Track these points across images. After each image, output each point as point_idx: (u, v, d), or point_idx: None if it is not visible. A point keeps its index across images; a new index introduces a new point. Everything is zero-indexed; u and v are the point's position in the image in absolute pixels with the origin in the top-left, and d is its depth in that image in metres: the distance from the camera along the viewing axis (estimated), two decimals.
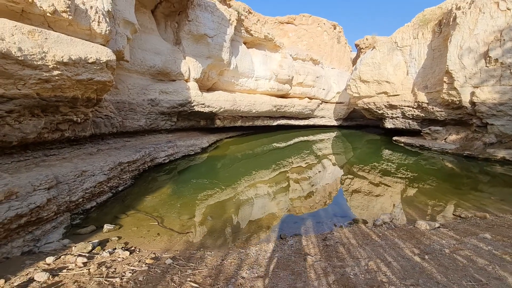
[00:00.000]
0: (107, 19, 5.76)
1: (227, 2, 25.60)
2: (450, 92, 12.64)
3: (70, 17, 4.85)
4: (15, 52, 3.95)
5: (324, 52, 32.89)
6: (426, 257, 3.54)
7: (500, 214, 5.75)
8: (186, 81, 11.65)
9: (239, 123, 17.03)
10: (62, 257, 3.81)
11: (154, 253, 4.08)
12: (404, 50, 15.57)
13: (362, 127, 27.68)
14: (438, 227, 4.84)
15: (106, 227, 4.95)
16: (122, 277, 3.24)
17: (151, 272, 3.41)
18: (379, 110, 17.88)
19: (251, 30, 14.92)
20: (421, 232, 4.57)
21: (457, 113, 13.27)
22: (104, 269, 3.46)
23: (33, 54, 4.20)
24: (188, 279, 3.23)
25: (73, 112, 5.94)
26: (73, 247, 4.14)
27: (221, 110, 13.51)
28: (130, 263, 3.71)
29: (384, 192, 7.72)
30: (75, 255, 3.84)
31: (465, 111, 12.60)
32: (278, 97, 18.89)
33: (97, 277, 3.22)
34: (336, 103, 24.78)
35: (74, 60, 4.80)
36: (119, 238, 4.67)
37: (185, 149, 11.56)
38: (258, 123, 18.67)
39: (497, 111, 11.25)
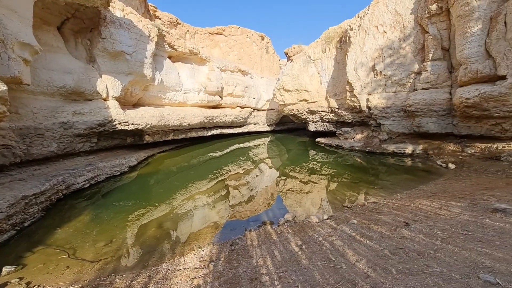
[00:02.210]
0: None
1: (152, 14, 25.06)
2: (352, 98, 15.00)
3: None
4: None
5: (255, 62, 34.77)
6: (304, 246, 4.45)
7: (376, 200, 7.30)
8: (105, 99, 11.19)
9: (171, 137, 16.89)
10: None
11: (60, 287, 4.09)
12: (316, 63, 17.79)
13: (293, 130, 30.11)
14: (326, 219, 5.96)
15: (5, 269, 4.66)
16: None
17: None
18: (302, 115, 19.91)
19: (174, 45, 15.08)
20: (311, 225, 5.59)
21: (359, 116, 15.79)
22: None
23: None
24: None
25: None
26: None
27: (148, 126, 13.30)
28: None
29: (305, 190, 8.96)
30: None
31: (364, 114, 15.11)
32: (210, 108, 19.37)
33: None
34: (267, 110, 26.50)
35: None
36: (20, 279, 4.47)
37: (109, 170, 11.07)
38: (192, 134, 18.79)
39: (385, 113, 13.84)
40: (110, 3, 13.24)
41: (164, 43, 14.70)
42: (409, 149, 13.02)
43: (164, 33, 14.25)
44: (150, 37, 12.75)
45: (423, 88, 12.23)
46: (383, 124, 14.18)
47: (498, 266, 2.86)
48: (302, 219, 6.32)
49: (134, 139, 14.20)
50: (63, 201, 8.45)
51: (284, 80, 18.93)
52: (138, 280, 4.10)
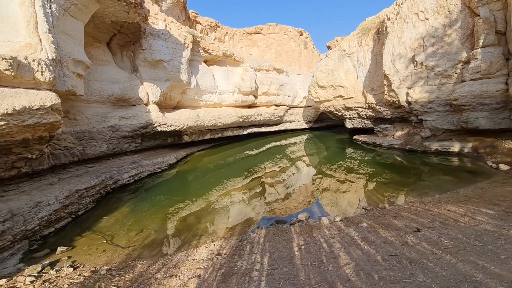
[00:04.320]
0: (51, 67, 6.62)
1: (193, 20, 26.63)
2: (390, 93, 14.03)
3: (13, 73, 5.70)
4: None
5: (293, 58, 34.43)
6: (303, 247, 4.57)
7: (401, 204, 6.90)
8: (146, 104, 12.53)
9: (208, 136, 17.95)
10: (14, 278, 4.60)
11: (95, 267, 4.93)
12: (352, 57, 16.98)
13: (332, 127, 29.11)
14: (338, 220, 5.91)
15: (59, 249, 5.75)
16: None
17: (85, 282, 4.27)
18: (338, 112, 19.22)
19: (208, 49, 15.96)
20: (319, 227, 5.63)
21: (399, 112, 14.68)
22: (47, 284, 4.30)
23: None
24: (112, 284, 4.12)
25: (26, 150, 6.73)
26: (26, 269, 4.94)
27: (185, 127, 14.41)
28: (70, 277, 4.56)
29: (333, 190, 8.92)
30: (25, 276, 4.65)
31: (404, 110, 14.00)
32: (245, 108, 19.98)
33: None
34: (304, 107, 26.12)
35: (19, 110, 5.64)
36: (69, 257, 5.48)
37: (151, 168, 12.36)
38: (228, 134, 19.65)
39: (428, 108, 12.65)
40: (153, 16, 14.67)
41: (199, 48, 15.67)
42: (455, 147, 11.74)
43: (198, 39, 15.20)
44: (186, 44, 13.76)
45: (472, 79, 10.87)
46: (426, 120, 12.97)
47: (487, 282, 2.67)
48: (315, 219, 6.36)
49: (174, 139, 15.51)
50: (111, 194, 9.78)
51: (318, 76, 18.51)
52: (154, 266, 4.72)
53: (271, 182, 10.46)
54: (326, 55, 18.30)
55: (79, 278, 4.44)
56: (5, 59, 5.57)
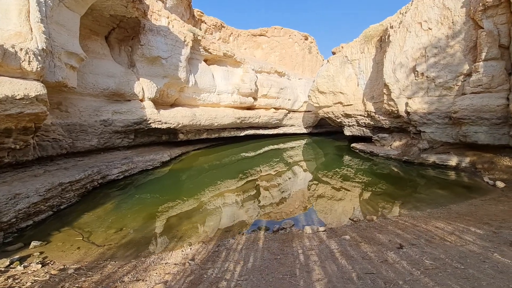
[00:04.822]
0: (40, 57, 6.50)
1: (198, 18, 26.59)
2: (389, 102, 13.82)
3: None
4: None
5: (296, 62, 34.32)
6: (279, 257, 4.37)
7: (390, 217, 6.68)
8: (141, 100, 12.41)
9: (204, 136, 17.80)
10: None
11: (64, 265, 4.75)
12: (354, 64, 16.80)
13: (331, 133, 28.88)
14: (322, 231, 5.70)
15: (33, 243, 5.58)
16: (21, 287, 3.93)
17: (49, 281, 4.09)
18: (338, 118, 19.02)
19: (209, 48, 15.86)
20: (301, 236, 5.42)
21: (397, 122, 14.46)
22: (10, 280, 4.12)
23: None
24: (75, 285, 3.94)
25: (10, 140, 6.59)
26: None
27: (180, 125, 14.26)
28: (36, 274, 4.38)
29: (323, 198, 8.66)
30: None
31: (403, 120, 13.78)
32: (243, 109, 19.83)
33: None
34: (305, 112, 25.93)
35: (0, 98, 5.50)
36: (41, 253, 5.31)
37: (142, 164, 12.21)
38: (225, 134, 19.49)
39: (426, 120, 12.42)
40: (156, 12, 14.60)
41: (200, 47, 15.56)
42: (453, 161, 11.50)
43: (199, 37, 15.10)
44: (185, 42, 13.66)
45: (472, 92, 10.65)
46: (424, 132, 12.74)
47: None
48: (298, 228, 6.15)
49: (169, 137, 15.38)
50: (98, 189, 9.62)
51: (319, 81, 18.34)
52: (125, 268, 4.53)
53: (265, 186, 10.27)
54: (328, 61, 18.14)
55: (45, 276, 4.27)
56: None
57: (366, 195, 8.92)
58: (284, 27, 34.37)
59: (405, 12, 12.84)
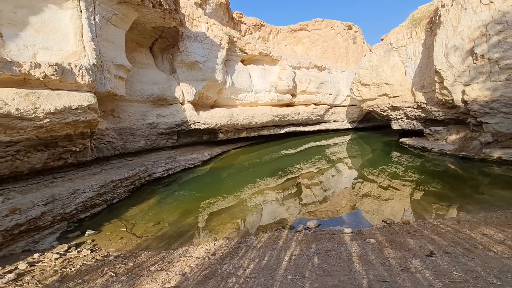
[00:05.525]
0: (91, 71, 7.52)
1: (237, 20, 27.26)
2: (442, 91, 12.29)
3: (58, 78, 6.63)
4: (13, 112, 5.76)
5: (339, 54, 32.69)
6: (294, 257, 4.33)
7: (431, 220, 6.01)
8: (182, 103, 13.34)
9: (243, 134, 18.27)
10: (45, 254, 5.40)
11: (107, 252, 5.47)
12: (400, 51, 15.32)
13: (379, 128, 26.79)
14: (348, 232, 5.44)
15: (87, 232, 6.53)
16: (72, 268, 4.67)
17: (94, 265, 4.78)
18: (383, 112, 17.61)
19: (244, 49, 16.18)
20: (323, 237, 5.26)
21: (453, 112, 12.76)
22: (65, 263, 4.93)
23: (28, 111, 6.00)
24: (112, 270, 4.52)
25: (71, 144, 7.79)
26: (56, 248, 5.76)
27: (218, 125, 14.92)
28: (85, 259, 5.15)
29: (364, 198, 8.24)
30: (53, 253, 5.40)
31: (459, 110, 12.12)
32: (282, 107, 19.73)
33: (57, 268, 4.70)
34: (348, 106, 24.60)
35: (60, 109, 6.55)
36: (93, 240, 6.18)
37: (184, 163, 13.13)
38: (264, 132, 19.68)
39: (489, 109, 10.72)
40: (196, 19, 15.51)
41: (236, 48, 16.00)
42: None
43: (235, 39, 15.52)
44: (221, 45, 14.19)
45: None
46: (487, 123, 11.00)
47: None
48: (323, 228, 5.96)
49: (209, 137, 16.20)
50: (146, 186, 10.68)
51: (361, 73, 17.21)
52: (154, 258, 5.02)
53: (305, 184, 10.11)
54: (370, 50, 16.89)
55: (91, 261, 4.98)
56: (51, 66, 6.51)
57: (414, 195, 8.14)
58: (325, 19, 32.99)
59: None
